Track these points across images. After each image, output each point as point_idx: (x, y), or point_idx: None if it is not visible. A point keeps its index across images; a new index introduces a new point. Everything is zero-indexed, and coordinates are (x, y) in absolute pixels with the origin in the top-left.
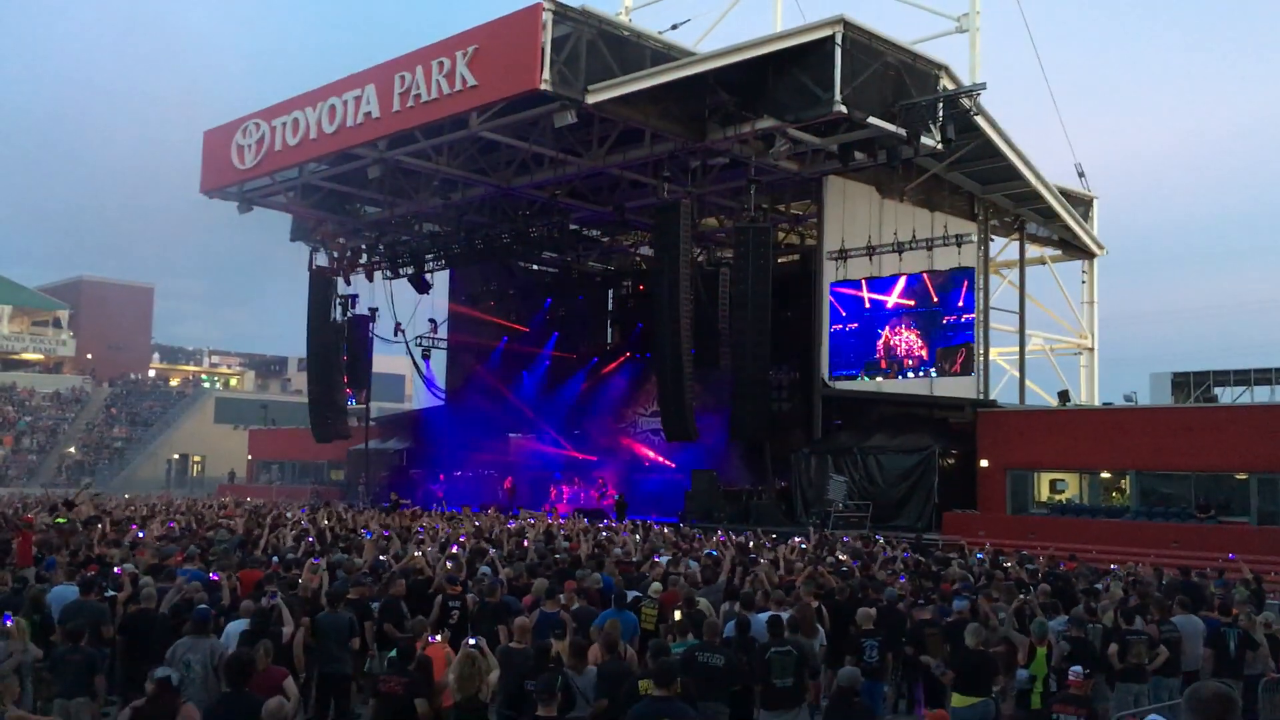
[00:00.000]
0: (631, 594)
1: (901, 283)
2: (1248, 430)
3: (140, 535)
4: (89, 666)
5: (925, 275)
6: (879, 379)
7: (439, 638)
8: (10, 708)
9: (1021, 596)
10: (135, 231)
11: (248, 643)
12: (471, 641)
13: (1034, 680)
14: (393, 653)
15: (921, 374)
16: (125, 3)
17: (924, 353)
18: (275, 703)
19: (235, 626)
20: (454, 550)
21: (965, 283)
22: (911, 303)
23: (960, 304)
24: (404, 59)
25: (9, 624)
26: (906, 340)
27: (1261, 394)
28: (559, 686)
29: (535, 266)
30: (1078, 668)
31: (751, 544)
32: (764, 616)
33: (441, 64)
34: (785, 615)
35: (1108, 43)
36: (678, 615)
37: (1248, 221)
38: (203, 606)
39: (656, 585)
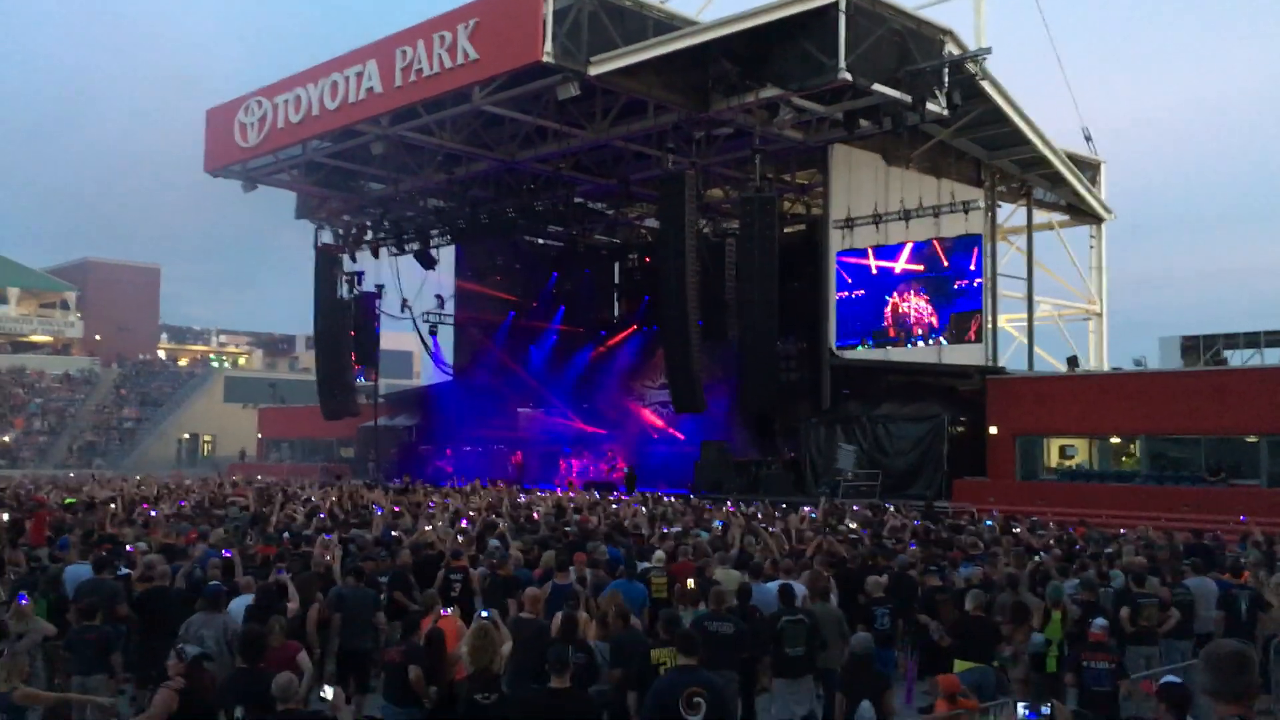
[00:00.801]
0: (642, 565)
1: (908, 249)
2: (1258, 392)
3: (152, 514)
4: (105, 644)
5: (935, 241)
6: (887, 347)
7: (451, 611)
8: (20, 685)
9: (1036, 559)
10: (140, 212)
11: (253, 618)
12: (484, 614)
13: (1049, 644)
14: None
15: (932, 341)
16: None
17: (934, 319)
18: (285, 677)
19: (240, 602)
20: (463, 524)
21: (975, 249)
22: (920, 267)
23: (972, 268)
24: (405, 33)
25: (23, 604)
26: (916, 307)
27: (1272, 356)
28: (571, 657)
29: (541, 240)
30: (1101, 619)
31: (760, 514)
32: (773, 585)
33: (443, 38)
34: (796, 584)
35: (1115, 5)
36: (690, 584)
37: (1256, 185)
38: (214, 583)
39: (660, 554)
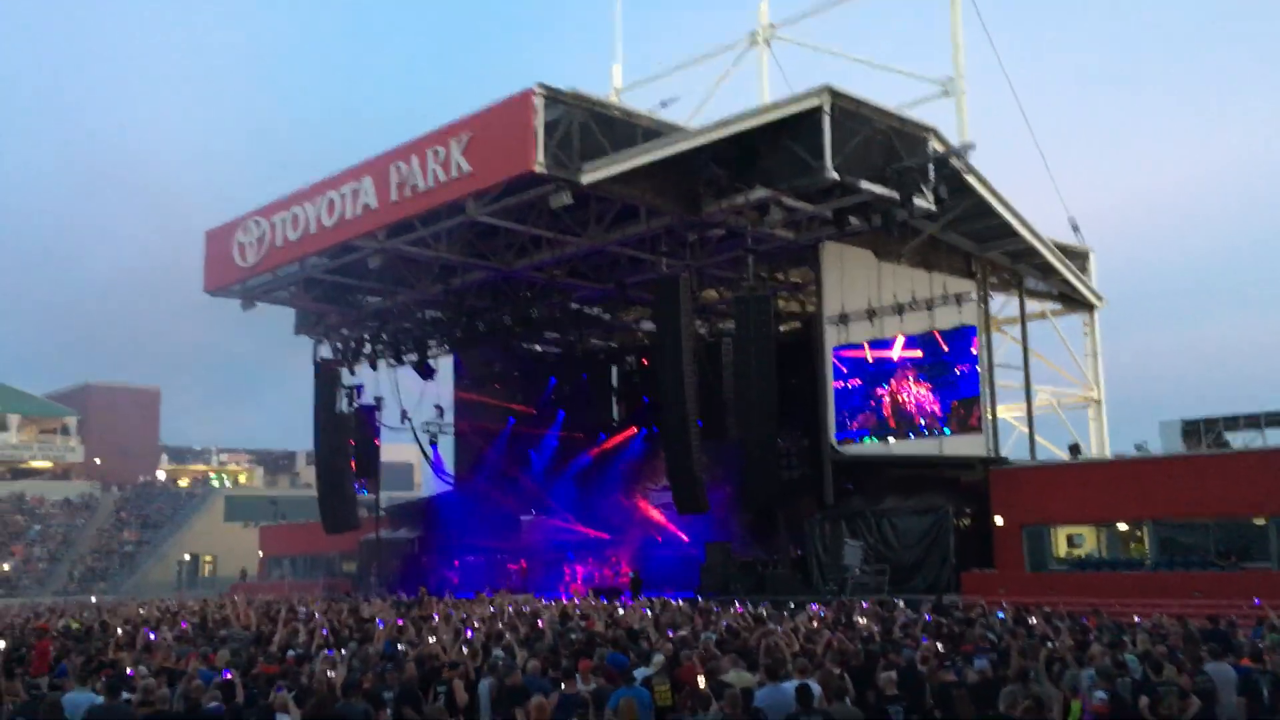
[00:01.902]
0: (644, 671)
1: (902, 340)
2: (1262, 474)
3: (152, 638)
4: None
5: (935, 332)
6: (889, 439)
7: None
8: None
9: (1049, 646)
10: (139, 334)
11: None
12: None
13: None
14: None
15: (935, 432)
16: (122, 97)
17: (936, 407)
18: None
19: None
20: (468, 635)
21: (973, 337)
22: (919, 354)
23: (974, 352)
24: (399, 150)
25: None
26: (917, 395)
27: (1274, 437)
28: None
29: (539, 347)
30: (1101, 693)
31: (767, 614)
32: (788, 685)
33: (436, 152)
34: (813, 684)
35: (1096, 97)
36: (702, 683)
37: (1248, 263)
38: (215, 704)
39: (659, 658)
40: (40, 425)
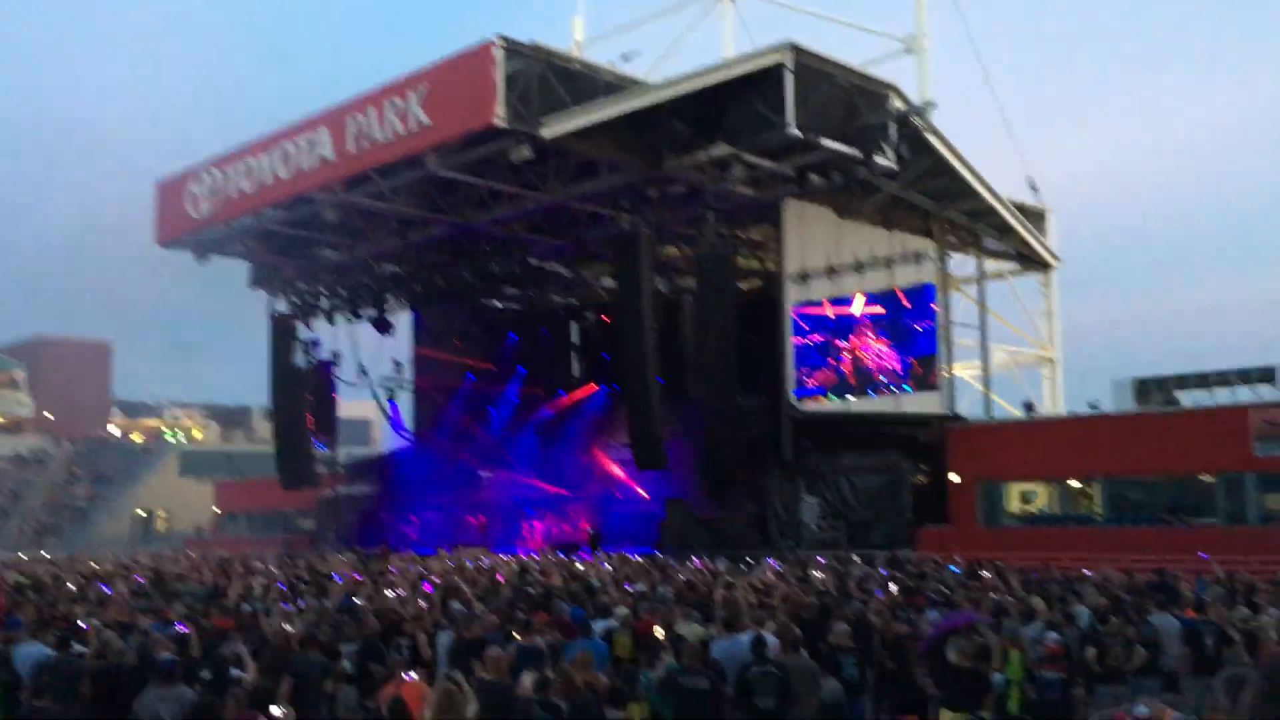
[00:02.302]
0: (603, 623)
1: (862, 298)
2: (1211, 433)
3: (107, 592)
4: None
5: (895, 289)
6: (848, 397)
7: (414, 675)
8: None
9: (992, 597)
10: (90, 287)
11: (209, 690)
12: (447, 676)
13: (1009, 684)
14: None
15: (895, 389)
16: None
17: (896, 365)
18: None
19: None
20: (426, 589)
21: (932, 295)
22: (880, 310)
23: (933, 310)
24: (356, 101)
25: None
26: (876, 352)
27: (1223, 396)
28: (540, 717)
29: (498, 303)
30: (1054, 634)
31: (725, 569)
32: (744, 637)
33: (394, 104)
34: (768, 635)
35: (1058, 59)
36: (660, 633)
37: (1200, 231)
38: (167, 655)
39: (623, 610)
40: None
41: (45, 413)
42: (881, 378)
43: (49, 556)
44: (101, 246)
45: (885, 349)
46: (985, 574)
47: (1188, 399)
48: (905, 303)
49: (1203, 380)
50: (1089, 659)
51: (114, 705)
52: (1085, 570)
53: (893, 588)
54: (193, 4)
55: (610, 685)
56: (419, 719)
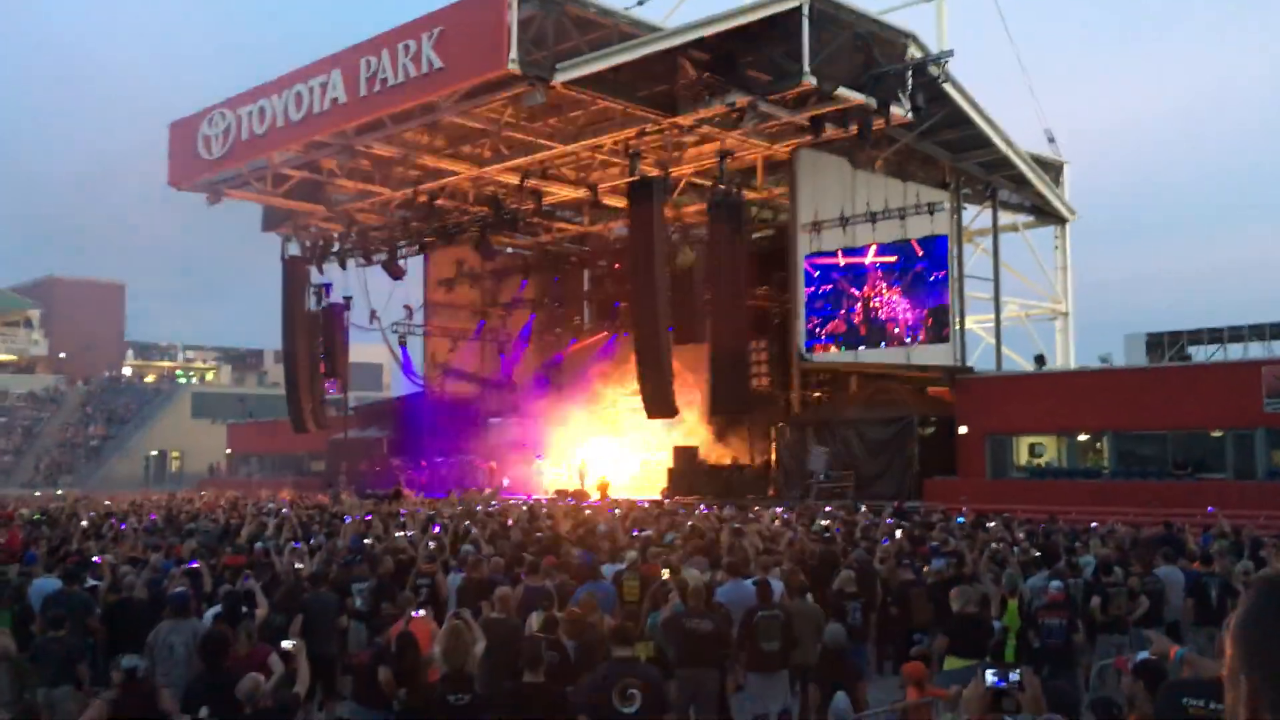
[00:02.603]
0: (611, 567)
1: (875, 247)
2: (1221, 387)
3: (121, 528)
4: (71, 655)
5: (912, 241)
6: (859, 348)
7: (422, 612)
8: None
9: (993, 545)
10: (104, 228)
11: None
12: (456, 614)
13: (1007, 632)
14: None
15: (910, 339)
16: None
17: (909, 315)
18: (250, 680)
19: (213, 611)
20: (435, 530)
21: (943, 247)
22: (894, 259)
23: (946, 262)
24: (369, 43)
25: None
26: (889, 302)
27: (1235, 351)
28: (545, 654)
29: (510, 249)
30: (1056, 582)
31: (733, 516)
32: (748, 582)
33: (407, 47)
34: (774, 580)
35: (1078, 10)
36: (666, 575)
37: (1217, 187)
38: (180, 589)
39: (632, 554)
40: (3, 318)
41: (59, 353)
42: (895, 328)
43: (62, 494)
44: (116, 187)
45: (898, 298)
46: (990, 524)
47: (1200, 354)
48: (919, 251)
49: (1215, 335)
50: (1093, 608)
51: (124, 637)
52: (1093, 523)
53: (899, 534)
54: None
55: (617, 625)
56: (427, 654)
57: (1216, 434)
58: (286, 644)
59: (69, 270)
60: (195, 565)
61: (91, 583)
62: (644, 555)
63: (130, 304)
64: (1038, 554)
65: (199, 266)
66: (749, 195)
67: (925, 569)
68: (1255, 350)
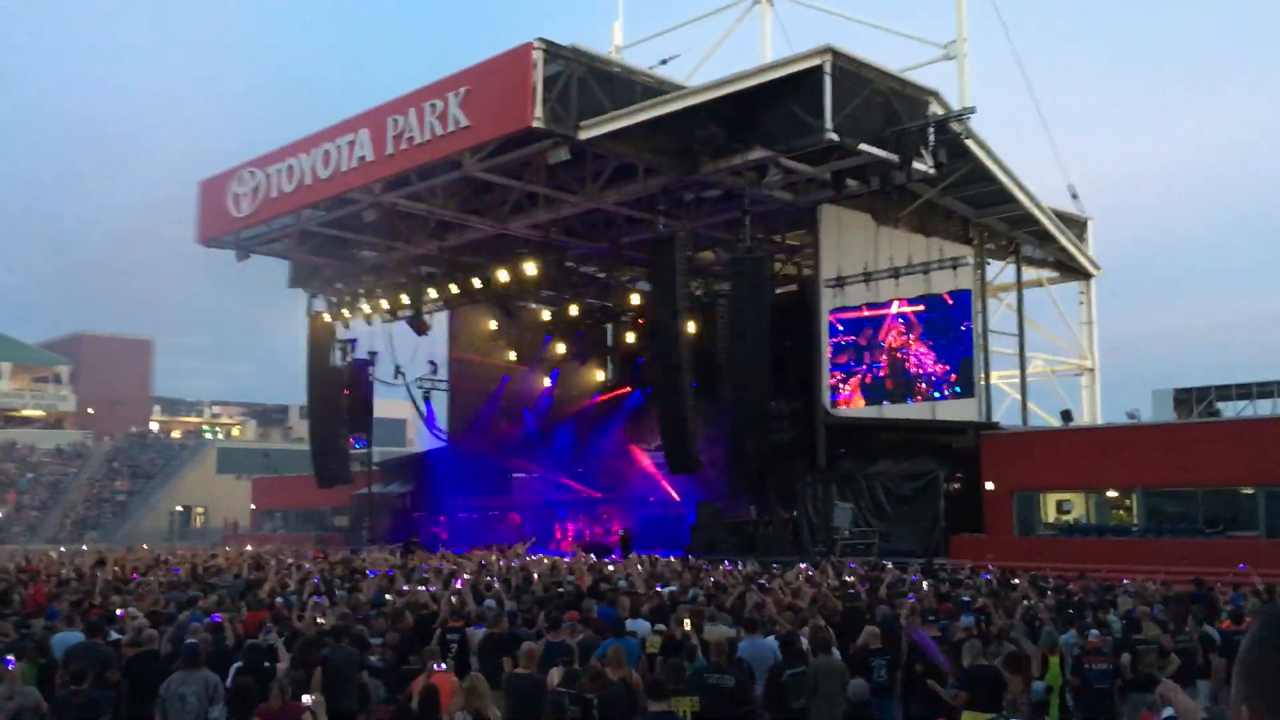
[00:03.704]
0: (634, 623)
1: (899, 302)
2: (1252, 444)
3: (143, 582)
4: (93, 708)
5: (944, 294)
6: (884, 403)
7: (444, 666)
8: None
9: (1025, 604)
10: (133, 285)
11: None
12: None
13: (1050, 691)
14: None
15: (937, 393)
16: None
17: (937, 368)
18: None
19: (236, 665)
20: (459, 585)
21: (970, 301)
22: (921, 308)
23: (971, 316)
24: (396, 102)
25: (10, 667)
26: (917, 353)
27: (1264, 407)
28: (568, 708)
29: (533, 305)
30: (1095, 631)
31: (756, 572)
32: (768, 640)
33: (434, 106)
34: (801, 636)
35: (1098, 69)
36: (687, 625)
37: (1242, 240)
38: (191, 641)
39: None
40: (32, 373)
41: (87, 408)
42: (923, 383)
43: (85, 549)
44: (146, 245)
45: (925, 351)
46: (1016, 581)
47: (1229, 409)
48: (949, 301)
49: (1244, 391)
50: (1123, 665)
51: (146, 690)
52: (1125, 579)
53: (925, 586)
54: (242, 8)
55: (652, 679)
56: (448, 710)
57: (1248, 491)
58: (306, 699)
59: (98, 326)
60: (218, 619)
61: (114, 636)
62: (669, 611)
63: (158, 360)
64: (1070, 611)
65: (226, 322)
66: (772, 251)
67: (952, 626)
68: None
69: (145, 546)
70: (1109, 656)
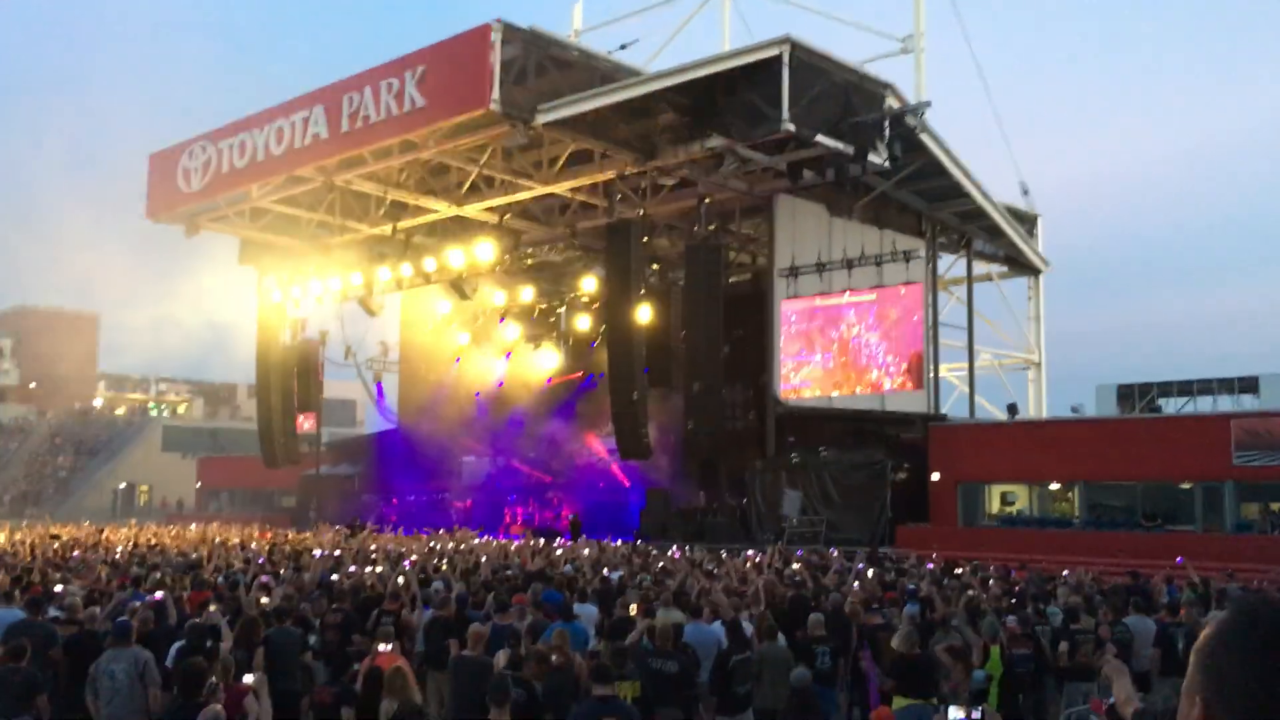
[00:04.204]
0: (581, 608)
1: (849, 294)
2: (1191, 440)
3: (85, 560)
4: (30, 686)
5: (897, 286)
6: (835, 393)
7: (388, 647)
8: None
9: (969, 593)
10: (78, 258)
11: (185, 657)
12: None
13: (989, 679)
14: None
15: (886, 382)
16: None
17: (888, 359)
18: (211, 713)
19: (177, 645)
20: (405, 567)
21: (920, 294)
22: (872, 297)
23: (921, 308)
24: (352, 80)
25: None
26: (868, 346)
27: (1204, 404)
28: (512, 690)
29: (486, 288)
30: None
31: (704, 559)
32: (714, 626)
33: (390, 85)
34: (746, 622)
35: (1052, 68)
36: (633, 610)
37: (1191, 240)
38: (123, 619)
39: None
40: None
41: (30, 383)
42: (872, 372)
43: (26, 525)
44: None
45: (876, 341)
46: (960, 571)
47: (1170, 406)
48: (899, 294)
49: (1185, 388)
50: (1060, 654)
51: (82, 670)
52: (1065, 571)
53: (870, 574)
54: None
55: (596, 663)
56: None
57: (1186, 486)
58: (248, 678)
59: (42, 300)
60: (160, 597)
61: (54, 613)
62: (613, 596)
63: (103, 335)
64: (1013, 600)
65: (174, 298)
66: (726, 239)
67: (893, 615)
68: (1225, 403)
69: (89, 523)
70: (1028, 640)
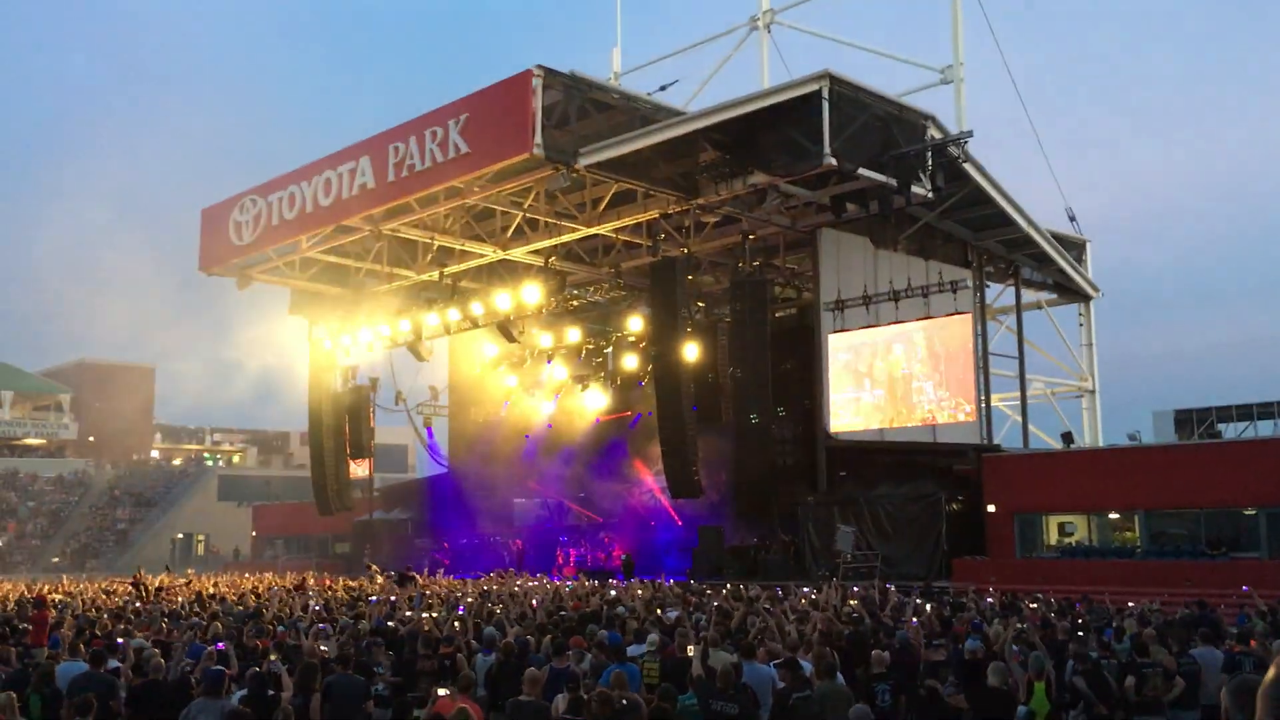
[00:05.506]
0: (636, 649)
1: (896, 326)
2: (1254, 465)
3: (146, 609)
4: None
5: (943, 316)
6: (886, 425)
7: (445, 691)
8: None
9: (1019, 626)
10: (135, 312)
11: (246, 705)
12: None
13: (1033, 716)
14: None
15: (941, 416)
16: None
17: (936, 392)
18: None
19: (239, 693)
20: (460, 612)
21: (970, 324)
22: (921, 331)
23: (971, 339)
24: (397, 130)
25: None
26: (918, 376)
27: (1265, 428)
28: None
29: (534, 331)
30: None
31: (762, 596)
32: (767, 667)
33: (434, 133)
34: (805, 661)
35: (1098, 88)
36: (690, 651)
37: (1246, 260)
38: (216, 668)
39: (654, 637)
40: (34, 402)
41: (88, 436)
42: (921, 405)
43: (87, 578)
44: (149, 272)
45: (925, 372)
46: (1034, 606)
47: (1230, 431)
48: (946, 325)
49: (1245, 412)
50: (1127, 687)
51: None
52: (1130, 602)
53: (928, 608)
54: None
55: (654, 706)
56: None
57: (1249, 512)
58: None
59: (99, 354)
60: (222, 647)
61: (114, 664)
62: (672, 636)
63: (159, 387)
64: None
65: (228, 349)
66: (770, 274)
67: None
68: None
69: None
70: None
